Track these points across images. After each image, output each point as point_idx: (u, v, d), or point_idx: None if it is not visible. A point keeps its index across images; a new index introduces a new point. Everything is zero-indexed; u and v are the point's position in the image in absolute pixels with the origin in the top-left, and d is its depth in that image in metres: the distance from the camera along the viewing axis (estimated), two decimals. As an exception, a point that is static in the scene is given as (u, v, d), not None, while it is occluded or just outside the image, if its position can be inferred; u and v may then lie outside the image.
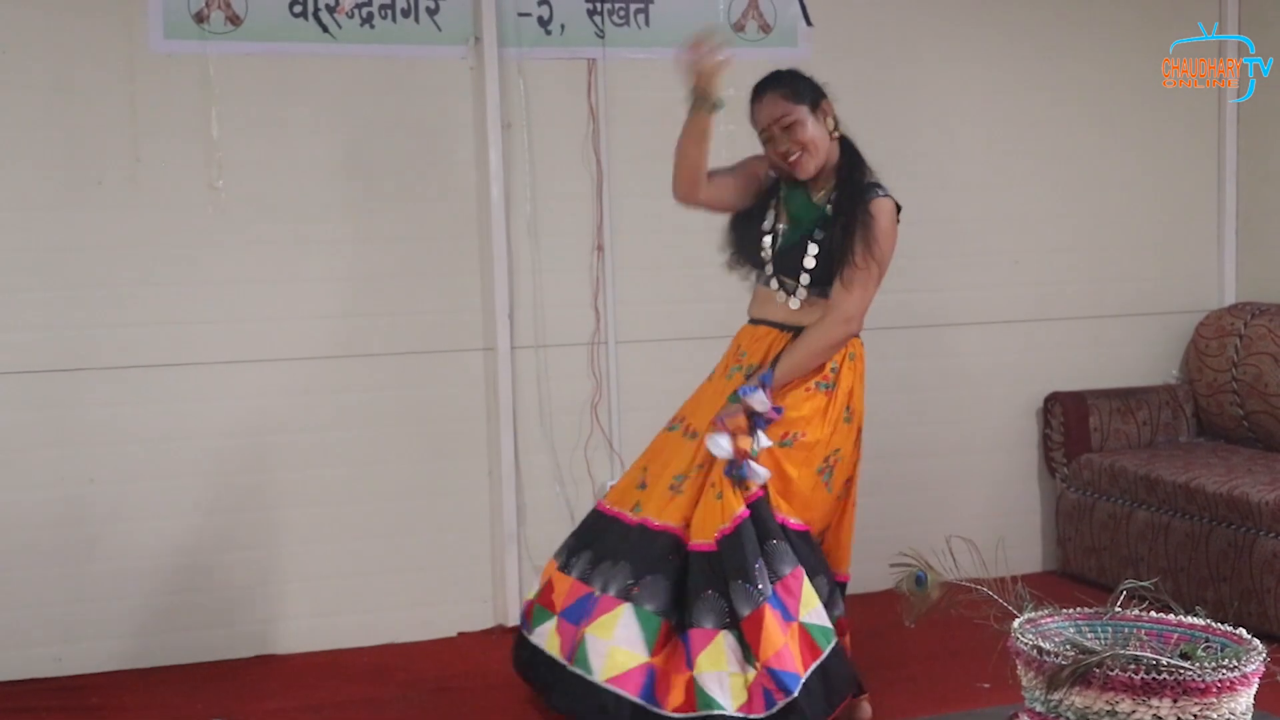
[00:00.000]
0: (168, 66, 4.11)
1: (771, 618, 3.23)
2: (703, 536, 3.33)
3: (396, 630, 4.40)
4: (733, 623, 3.27)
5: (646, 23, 4.51)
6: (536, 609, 3.54)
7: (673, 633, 3.33)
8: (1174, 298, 5.19)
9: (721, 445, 3.34)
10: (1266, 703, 1.97)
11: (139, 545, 4.16)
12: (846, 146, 3.50)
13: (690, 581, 3.33)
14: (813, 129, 3.42)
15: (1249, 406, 4.83)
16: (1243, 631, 1.93)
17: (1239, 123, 5.14)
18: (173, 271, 4.15)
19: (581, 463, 4.53)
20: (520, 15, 4.40)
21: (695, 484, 3.40)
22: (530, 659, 3.52)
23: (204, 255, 4.18)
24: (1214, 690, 1.77)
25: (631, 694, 3.26)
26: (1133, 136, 5.10)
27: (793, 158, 3.43)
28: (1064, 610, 2.03)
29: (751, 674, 3.22)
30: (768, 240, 3.53)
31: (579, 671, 3.31)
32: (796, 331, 3.47)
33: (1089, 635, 1.97)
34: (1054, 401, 4.95)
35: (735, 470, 3.33)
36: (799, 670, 3.22)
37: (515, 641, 3.65)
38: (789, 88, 3.44)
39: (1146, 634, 1.99)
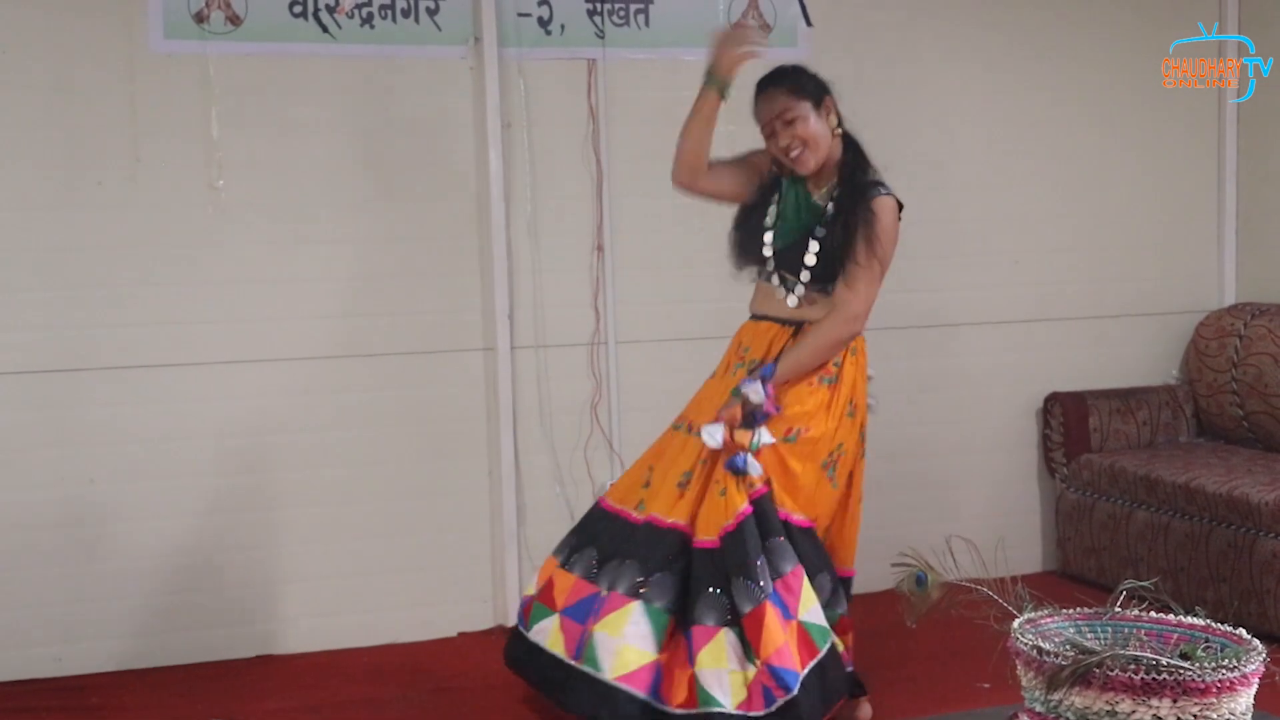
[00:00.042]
0: (168, 66, 4.11)
1: (772, 615, 3.23)
2: (707, 533, 3.34)
3: (396, 630, 4.40)
4: (734, 620, 3.27)
5: (646, 23, 4.51)
6: (536, 606, 3.54)
7: (678, 629, 3.34)
8: (1174, 298, 5.19)
9: (714, 435, 3.36)
10: (1266, 703, 1.97)
11: (139, 545, 4.16)
12: (850, 144, 3.50)
13: (694, 578, 3.34)
14: (815, 125, 3.43)
15: (1249, 407, 4.83)
16: (1243, 632, 1.93)
17: (1239, 123, 5.14)
18: (173, 271, 4.15)
19: (581, 463, 4.53)
20: (520, 15, 4.40)
21: (701, 480, 3.41)
22: (526, 655, 3.52)
23: (204, 255, 4.18)
24: (1214, 690, 1.77)
25: (641, 692, 3.27)
26: (1133, 136, 5.10)
27: (793, 153, 3.44)
28: (1064, 610, 2.03)
29: (751, 671, 3.23)
30: (769, 236, 3.54)
31: (587, 669, 3.31)
32: (798, 326, 3.48)
33: (1089, 635, 1.97)
34: (1054, 401, 4.95)
35: (731, 463, 3.34)
36: (798, 668, 3.23)
37: (510, 637, 3.66)
38: (793, 83, 3.45)
39: (1146, 634, 1.99)
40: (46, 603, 4.09)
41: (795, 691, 3.20)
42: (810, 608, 3.32)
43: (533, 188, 4.45)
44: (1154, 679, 1.78)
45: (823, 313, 3.46)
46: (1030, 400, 5.03)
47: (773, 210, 3.55)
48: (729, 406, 3.40)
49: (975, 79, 4.91)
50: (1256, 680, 1.82)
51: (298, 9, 4.20)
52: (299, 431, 4.29)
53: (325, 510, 4.33)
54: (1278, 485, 4.16)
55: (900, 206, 3.47)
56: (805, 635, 3.29)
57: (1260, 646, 1.87)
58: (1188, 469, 4.48)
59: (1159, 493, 4.48)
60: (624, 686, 3.26)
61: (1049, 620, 2.00)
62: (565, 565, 3.54)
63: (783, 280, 3.52)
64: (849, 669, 3.48)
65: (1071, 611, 2.03)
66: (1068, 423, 4.89)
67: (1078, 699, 1.82)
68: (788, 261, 3.50)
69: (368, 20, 4.26)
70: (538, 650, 3.48)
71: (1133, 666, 1.79)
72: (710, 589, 3.30)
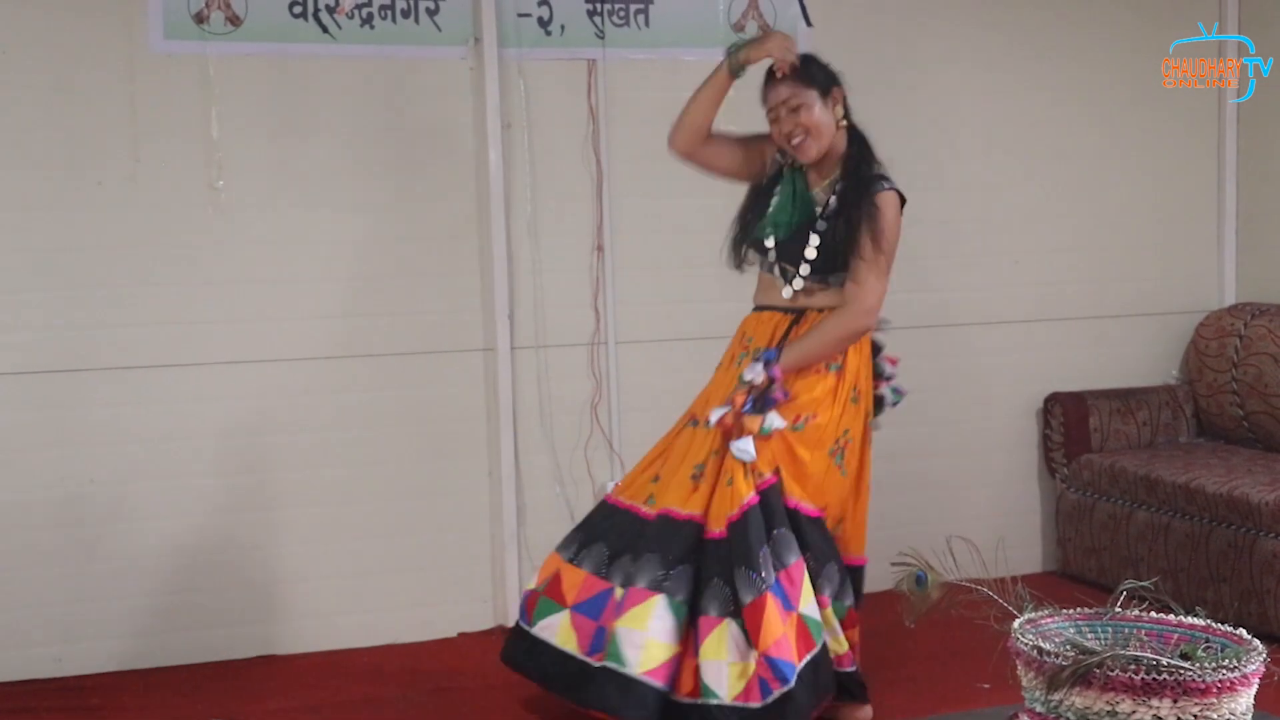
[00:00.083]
0: (168, 67, 4.11)
1: (773, 606, 3.25)
2: (717, 524, 3.37)
3: (396, 630, 4.39)
4: (736, 611, 3.28)
5: (646, 23, 4.51)
6: (542, 601, 3.52)
7: (691, 621, 3.35)
8: (1174, 298, 5.19)
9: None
10: (1266, 703, 1.97)
11: (139, 545, 4.16)
12: (856, 137, 3.51)
13: (703, 569, 3.35)
14: (819, 114, 3.44)
15: (1249, 407, 4.83)
16: (1243, 632, 1.93)
17: (1239, 123, 5.14)
18: (173, 271, 4.15)
19: (581, 463, 4.53)
20: (520, 16, 4.40)
21: (714, 472, 3.42)
22: (529, 651, 3.51)
23: (204, 255, 4.18)
24: (1214, 690, 1.77)
25: (661, 684, 3.29)
26: (1133, 136, 5.10)
27: (795, 140, 3.45)
28: (1064, 610, 2.03)
29: (751, 663, 3.24)
30: (771, 228, 3.54)
31: (611, 665, 3.30)
32: (799, 314, 3.49)
33: (1089, 635, 1.97)
34: (1054, 402, 4.95)
35: (734, 445, 3.35)
36: (795, 660, 3.24)
37: (511, 634, 3.65)
38: (802, 71, 3.46)
39: (1146, 634, 1.99)
40: (46, 603, 4.09)
41: (792, 684, 3.21)
42: (809, 601, 3.34)
43: (533, 188, 4.45)
44: (1154, 679, 1.78)
45: (823, 301, 3.48)
46: (1030, 400, 5.03)
47: (775, 201, 3.55)
48: (736, 391, 3.42)
49: (975, 79, 4.91)
50: (1256, 680, 1.82)
51: (298, 9, 4.20)
52: (299, 431, 4.29)
53: (325, 510, 4.33)
54: (1278, 485, 4.16)
55: (903, 201, 3.48)
56: (804, 628, 3.31)
57: (1260, 646, 1.86)
58: (1188, 469, 4.48)
59: (1159, 493, 4.48)
60: (648, 680, 3.27)
61: (1049, 620, 2.00)
62: (573, 561, 3.53)
63: (783, 272, 3.53)
64: (851, 669, 3.48)
65: (1072, 611, 2.03)
66: (1068, 423, 4.89)
67: (1078, 699, 1.82)
68: (788, 253, 3.51)
69: (368, 20, 4.26)
70: (543, 646, 3.47)
71: (1133, 667, 1.79)
72: (716, 580, 3.32)
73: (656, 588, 3.34)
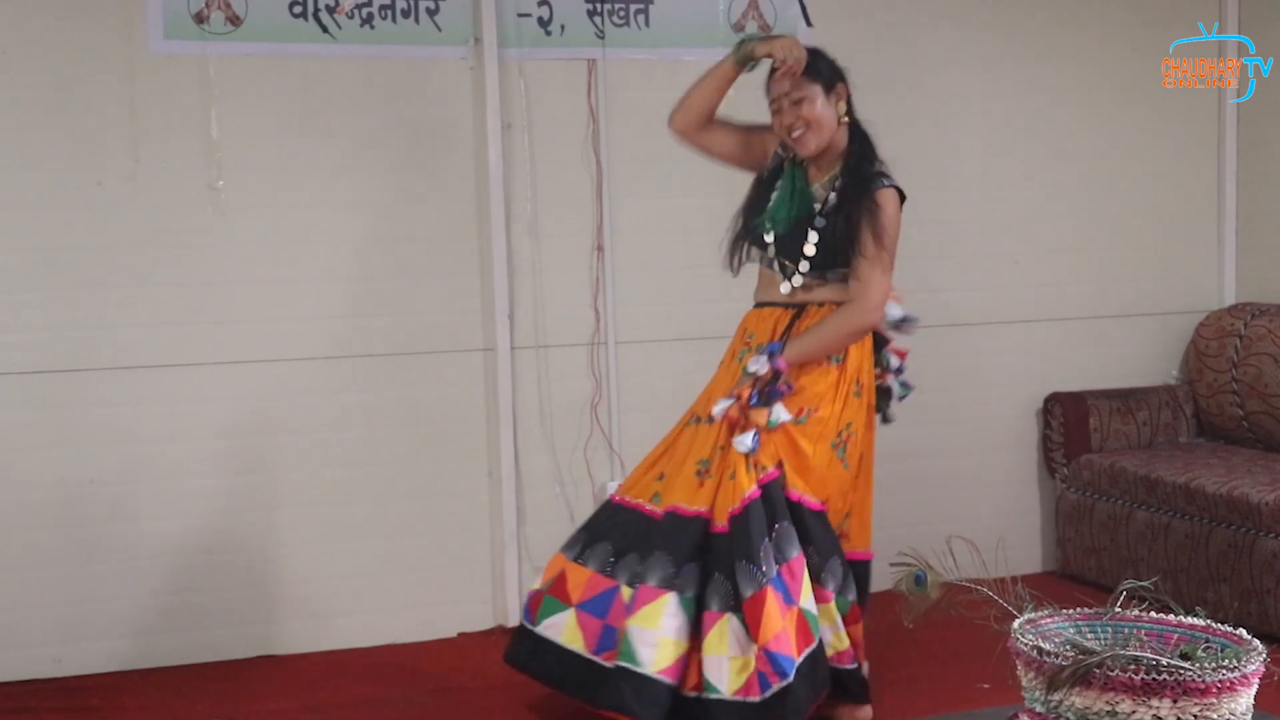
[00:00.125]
0: (168, 67, 4.11)
1: (773, 600, 3.25)
2: (720, 519, 3.37)
3: (396, 630, 4.39)
4: (736, 605, 3.29)
5: (646, 23, 4.51)
6: (547, 600, 3.52)
7: (697, 616, 3.36)
8: (1174, 298, 5.19)
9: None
10: (1266, 703, 1.97)
11: (139, 545, 4.16)
12: (858, 134, 3.52)
13: (708, 564, 3.36)
14: (821, 108, 3.45)
15: (1249, 407, 4.83)
16: (1243, 632, 1.93)
17: (1239, 123, 5.14)
18: (173, 271, 4.15)
19: (581, 463, 4.53)
20: (520, 16, 4.40)
21: (718, 467, 3.42)
22: (534, 651, 3.51)
23: (204, 255, 4.18)
24: (1214, 691, 1.77)
25: (673, 680, 3.30)
26: (1133, 137, 5.10)
27: (795, 133, 3.46)
28: (1064, 611, 2.03)
29: (751, 657, 3.24)
30: (770, 223, 3.54)
31: (626, 665, 3.30)
32: (800, 309, 3.50)
33: (1089, 636, 1.97)
34: (1054, 402, 4.95)
35: (739, 440, 3.36)
36: (794, 655, 3.24)
37: (515, 634, 3.64)
38: (808, 65, 3.46)
39: (1146, 634, 1.99)
40: (46, 603, 4.09)
41: (791, 678, 3.21)
42: (809, 596, 3.34)
43: (533, 188, 4.45)
44: (1154, 679, 1.77)
45: (823, 295, 3.48)
46: (1030, 400, 5.03)
47: (775, 196, 3.56)
48: (740, 385, 3.42)
49: (975, 79, 4.91)
50: (1256, 680, 1.82)
51: (298, 9, 4.20)
52: (299, 431, 4.29)
53: (325, 510, 4.33)
54: (1278, 485, 4.16)
55: (903, 197, 3.49)
56: (804, 623, 3.32)
57: (1260, 646, 1.86)
58: (1188, 469, 4.48)
59: (1159, 493, 4.48)
60: (662, 679, 3.28)
61: (1049, 620, 2.00)
62: (578, 560, 3.52)
63: (782, 267, 3.53)
64: (851, 666, 3.48)
65: (1071, 612, 2.03)
66: (1068, 423, 4.89)
67: (1078, 699, 1.82)
68: (787, 249, 3.51)
69: (368, 20, 4.26)
70: (548, 645, 3.47)
71: (1133, 667, 1.79)
72: (717, 574, 3.33)
73: (668, 585, 3.34)
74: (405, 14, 4.29)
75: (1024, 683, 1.91)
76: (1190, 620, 1.98)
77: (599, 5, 4.46)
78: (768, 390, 3.38)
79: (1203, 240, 5.21)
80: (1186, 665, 1.79)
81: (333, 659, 4.26)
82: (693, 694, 3.31)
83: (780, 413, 3.37)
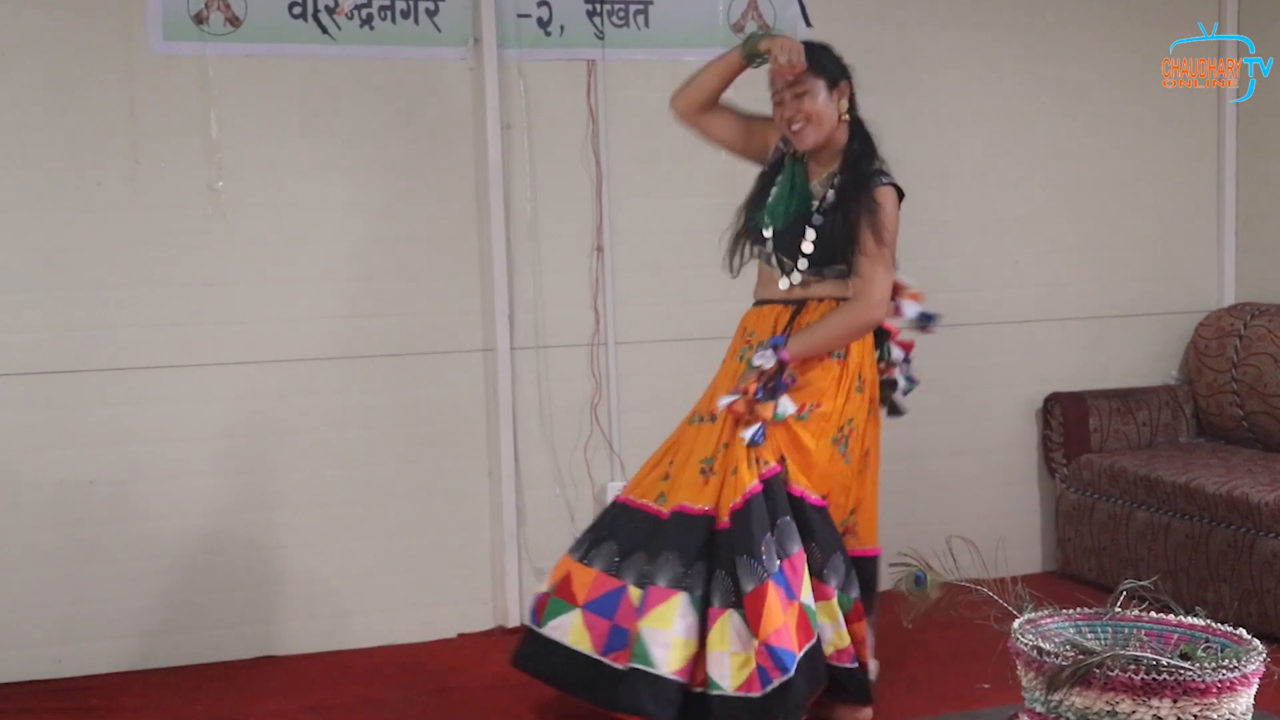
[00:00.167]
0: (167, 67, 4.11)
1: (774, 595, 3.25)
2: (725, 516, 3.37)
3: (396, 631, 4.39)
4: (737, 601, 3.29)
5: (646, 24, 4.51)
6: (552, 601, 3.51)
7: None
8: (1174, 298, 5.19)
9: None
10: (1266, 703, 1.97)
11: (139, 545, 4.15)
12: (859, 132, 3.52)
13: (713, 561, 3.36)
14: (822, 103, 3.46)
15: (1249, 407, 4.83)
16: (1243, 632, 1.93)
17: (1239, 123, 5.14)
18: (173, 271, 4.15)
19: (581, 463, 4.53)
20: (520, 16, 4.40)
21: (722, 465, 3.43)
22: (541, 652, 3.50)
23: (204, 255, 4.18)
24: (1214, 690, 1.77)
25: (686, 680, 3.31)
26: (1133, 136, 5.10)
27: (794, 126, 3.47)
28: (1064, 611, 2.03)
29: (752, 653, 3.24)
30: (769, 219, 3.55)
31: (641, 666, 3.30)
32: (799, 305, 3.50)
33: (1089, 636, 1.97)
34: (1054, 402, 4.95)
35: (746, 435, 3.36)
36: (795, 649, 3.25)
37: (522, 637, 3.63)
38: (813, 58, 3.46)
39: (1146, 634, 1.99)
40: (46, 603, 4.09)
41: (791, 673, 3.21)
42: (809, 591, 3.34)
43: (533, 188, 4.45)
44: (1154, 679, 1.78)
45: (822, 291, 3.49)
46: (1030, 400, 5.03)
47: (774, 191, 3.56)
48: (745, 379, 3.42)
49: (975, 79, 4.91)
50: (1256, 680, 1.83)
51: (297, 10, 4.20)
52: (299, 432, 4.29)
53: (325, 510, 4.33)
54: (1278, 485, 4.16)
55: (901, 195, 3.49)
56: (805, 618, 3.32)
57: (1260, 646, 1.87)
58: (1188, 469, 4.47)
59: (1159, 493, 4.48)
60: (676, 679, 3.29)
61: (1049, 620, 2.00)
62: (584, 560, 3.51)
63: (780, 263, 3.54)
64: (851, 664, 3.47)
65: (1071, 612, 2.03)
66: (1068, 423, 4.89)
67: (1078, 699, 1.82)
68: (786, 245, 3.52)
69: (367, 21, 4.26)
70: (555, 646, 3.46)
71: (1133, 667, 1.79)
72: (719, 570, 3.33)
73: (678, 585, 3.34)
74: (405, 15, 4.29)
75: (1024, 683, 1.91)
76: (1190, 620, 1.99)
77: (599, 6, 4.46)
78: (773, 383, 3.39)
79: (1202, 240, 5.21)
80: (1186, 665, 1.79)
81: (333, 659, 4.26)
82: (698, 689, 3.31)
83: (786, 405, 3.38)
